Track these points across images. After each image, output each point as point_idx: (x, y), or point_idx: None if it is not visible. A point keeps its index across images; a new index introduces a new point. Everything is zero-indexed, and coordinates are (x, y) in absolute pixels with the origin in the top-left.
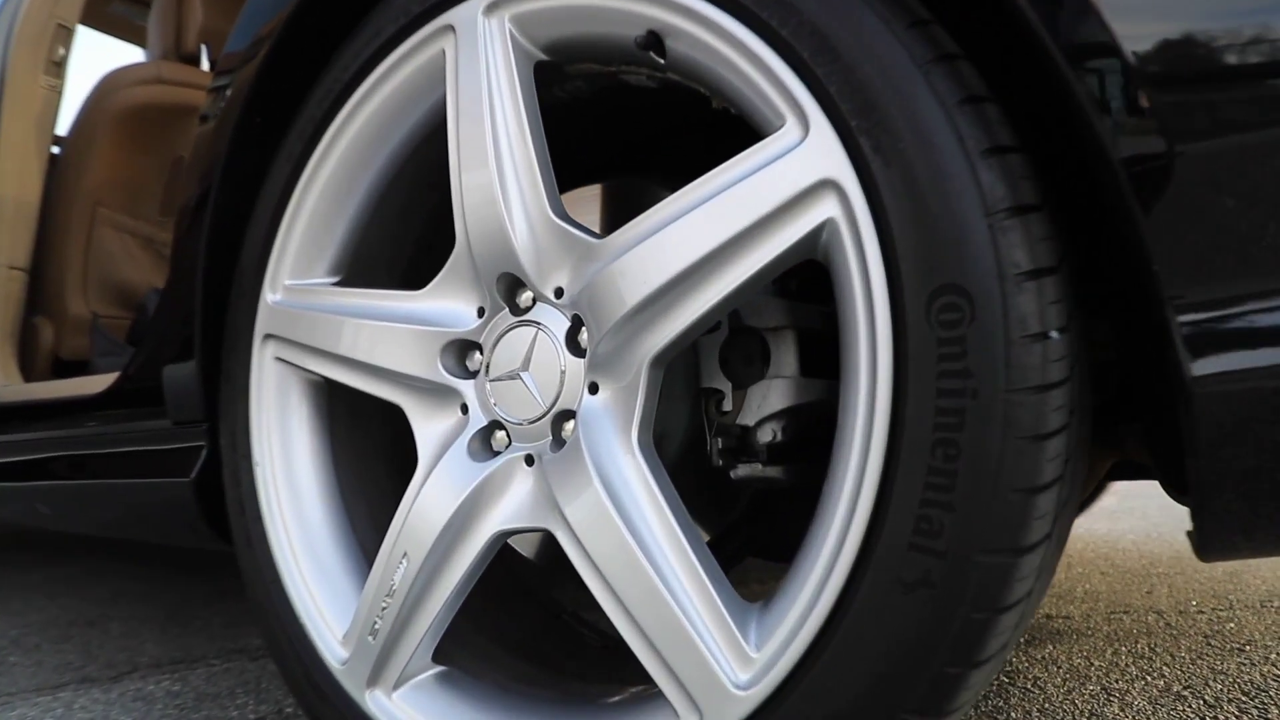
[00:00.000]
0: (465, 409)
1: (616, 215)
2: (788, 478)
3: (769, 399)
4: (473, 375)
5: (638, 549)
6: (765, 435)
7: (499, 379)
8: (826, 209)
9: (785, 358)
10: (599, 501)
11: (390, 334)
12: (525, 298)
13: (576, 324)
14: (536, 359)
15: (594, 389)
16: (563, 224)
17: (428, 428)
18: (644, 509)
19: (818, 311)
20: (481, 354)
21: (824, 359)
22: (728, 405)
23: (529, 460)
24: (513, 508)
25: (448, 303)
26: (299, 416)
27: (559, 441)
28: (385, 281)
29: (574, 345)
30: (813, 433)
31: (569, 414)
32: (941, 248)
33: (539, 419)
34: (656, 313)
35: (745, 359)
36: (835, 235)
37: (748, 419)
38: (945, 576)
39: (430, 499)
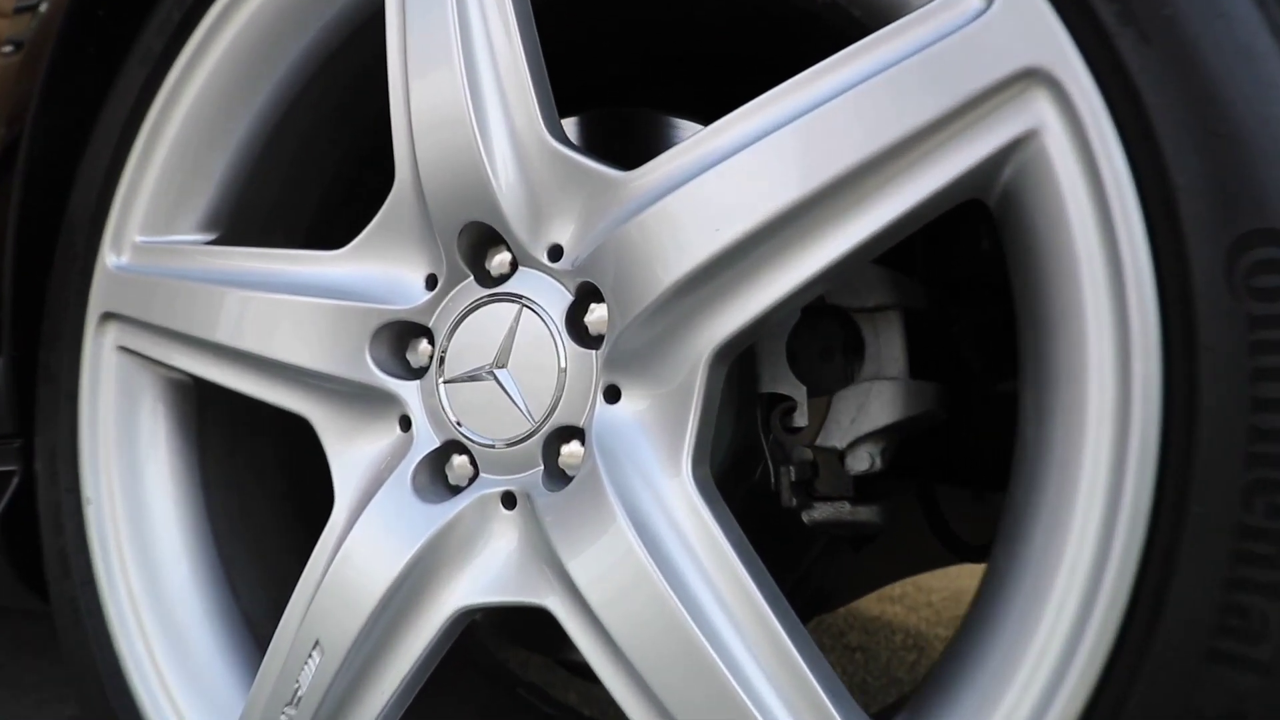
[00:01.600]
0: (407, 423)
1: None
2: (884, 520)
3: (868, 410)
4: (418, 373)
5: (696, 629)
6: (860, 462)
7: (459, 379)
8: (1024, 117)
9: (889, 351)
10: (630, 557)
11: (293, 313)
12: (501, 260)
13: (584, 299)
14: (520, 350)
15: (613, 395)
16: (566, 151)
17: (350, 451)
18: (706, 569)
19: (919, 287)
20: (432, 342)
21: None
22: (800, 419)
23: (508, 500)
24: (485, 572)
25: (380, 266)
26: (154, 433)
27: (555, 472)
28: (283, 241)
29: (578, 330)
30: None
31: (572, 432)
32: (1253, 173)
33: (524, 439)
34: (725, 285)
35: (823, 353)
36: (1037, 160)
37: (834, 438)
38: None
39: (356, 561)
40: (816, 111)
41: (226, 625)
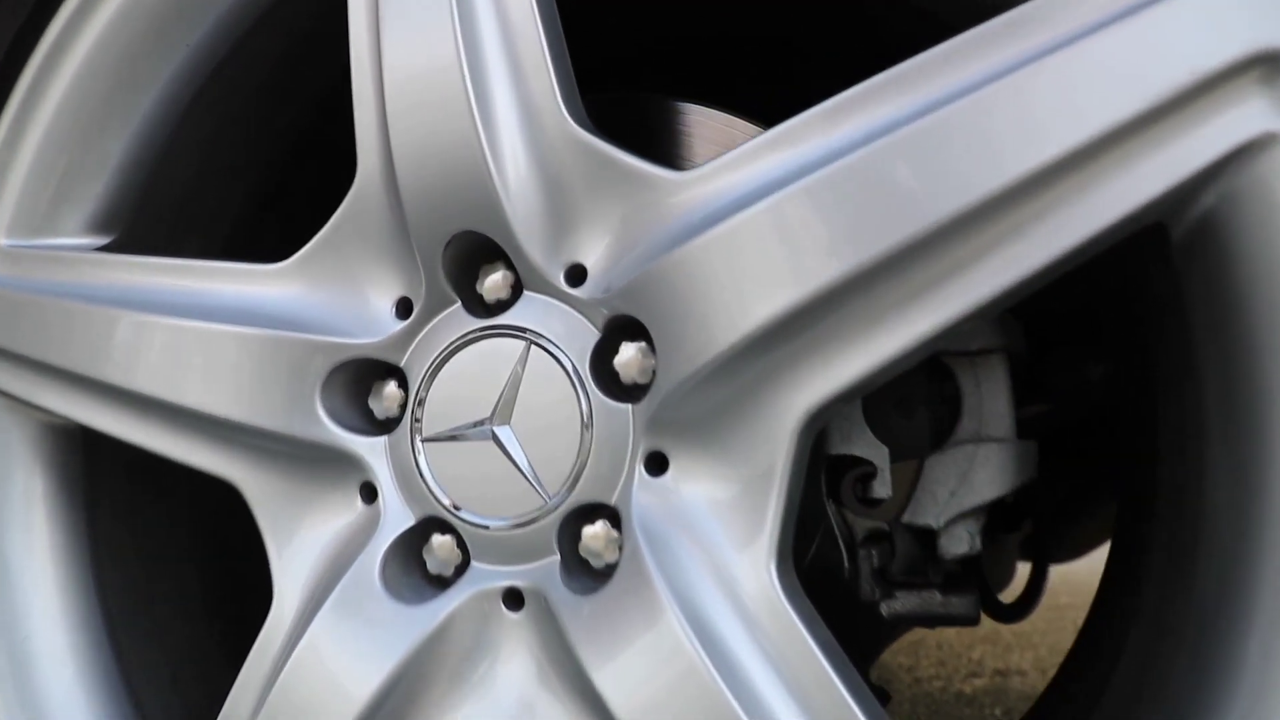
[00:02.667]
0: (370, 493)
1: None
2: (972, 613)
3: (972, 481)
4: (384, 427)
5: None
6: (957, 544)
7: (442, 438)
8: (1250, 120)
9: (994, 405)
10: (697, 682)
11: (215, 347)
12: (499, 282)
13: (613, 336)
14: (527, 402)
15: (657, 464)
16: (595, 141)
17: (295, 530)
18: (796, 690)
19: (1019, 325)
20: (404, 387)
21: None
22: (880, 489)
23: (513, 600)
24: (488, 701)
25: (335, 287)
26: (27, 495)
27: (577, 563)
28: (197, 248)
29: (608, 378)
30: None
31: (598, 511)
32: None
33: (534, 519)
34: (828, 333)
35: (902, 405)
36: (1268, 179)
37: (927, 515)
38: None
39: (310, 680)
40: (950, 109)
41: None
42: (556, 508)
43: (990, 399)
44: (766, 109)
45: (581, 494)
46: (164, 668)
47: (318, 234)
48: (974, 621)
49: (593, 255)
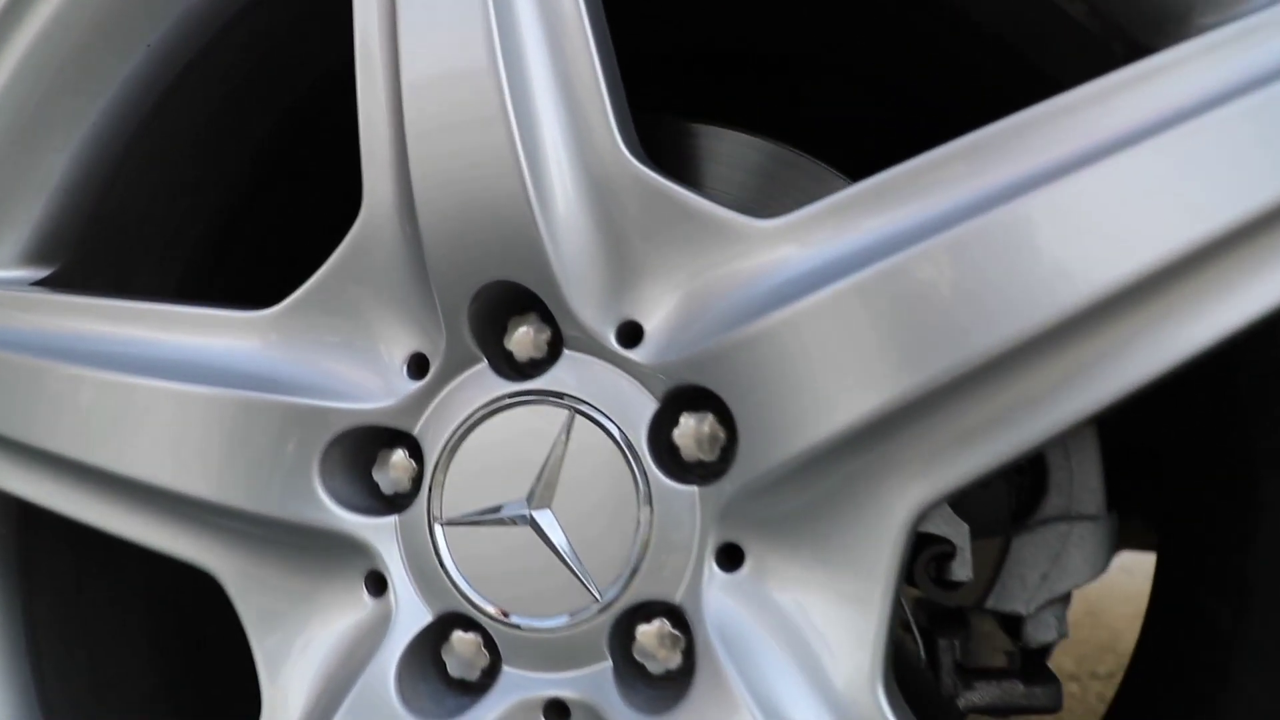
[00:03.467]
0: (379, 584)
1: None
2: (1055, 703)
3: (1066, 564)
4: (393, 505)
5: None
6: (1045, 631)
7: (466, 520)
8: None
9: (1085, 479)
10: None
11: (188, 409)
12: (532, 339)
13: (672, 407)
14: (570, 479)
15: (731, 557)
16: (657, 179)
17: (287, 629)
18: None
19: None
20: (417, 458)
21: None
22: (961, 571)
23: (556, 713)
24: None
25: (334, 339)
26: None
27: (633, 670)
28: (150, 278)
29: (666, 455)
30: None
31: (659, 609)
32: None
33: (582, 620)
34: (958, 416)
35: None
36: None
37: (1016, 600)
38: None
39: None
40: (1114, 162)
41: None
42: (610, 605)
43: (1081, 473)
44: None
45: (639, 590)
46: None
47: (313, 276)
48: (1056, 710)
49: (651, 313)
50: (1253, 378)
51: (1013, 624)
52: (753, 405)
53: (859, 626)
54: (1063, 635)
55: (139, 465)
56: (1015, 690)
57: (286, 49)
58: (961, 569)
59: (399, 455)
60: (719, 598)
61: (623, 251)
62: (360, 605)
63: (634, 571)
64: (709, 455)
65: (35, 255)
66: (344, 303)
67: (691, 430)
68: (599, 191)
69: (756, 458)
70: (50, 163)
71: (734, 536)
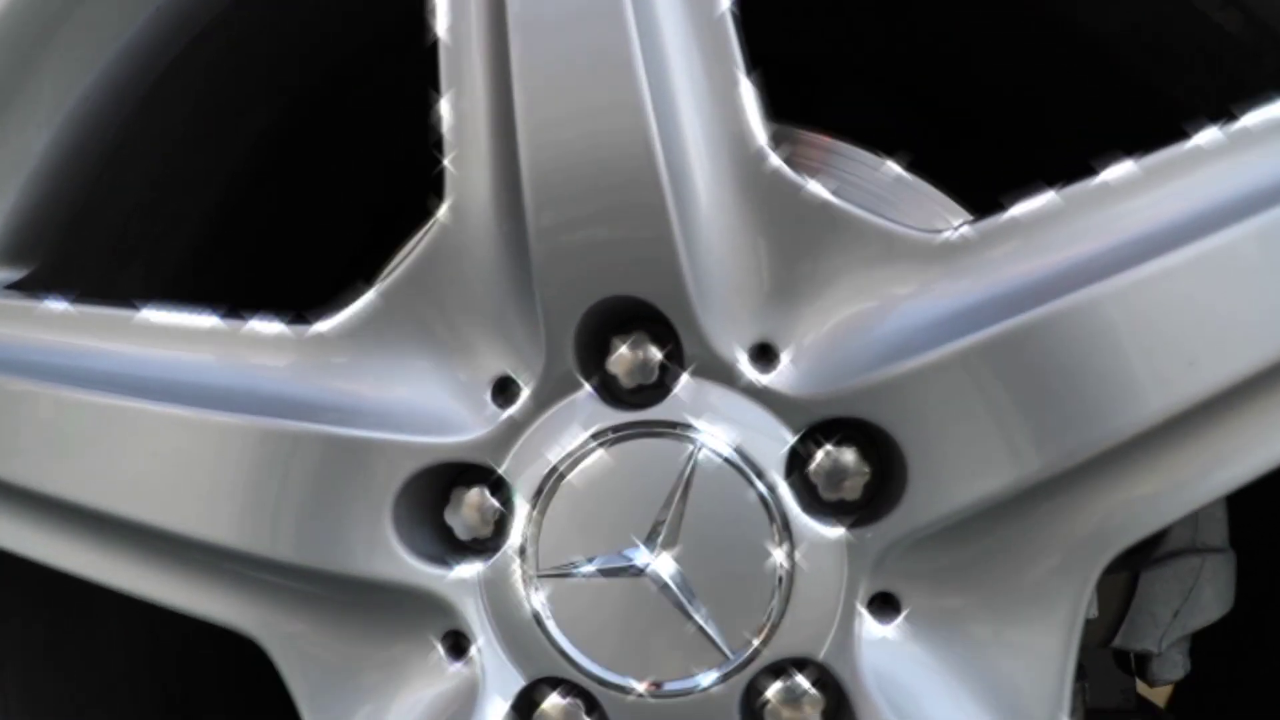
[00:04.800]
0: (458, 645)
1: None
2: None
3: (1200, 600)
4: (474, 553)
5: None
6: (1173, 669)
7: (567, 572)
8: None
9: (1211, 508)
10: None
11: (229, 444)
12: (639, 361)
13: (814, 440)
14: (693, 523)
15: (884, 607)
16: (804, 184)
17: (349, 704)
18: None
19: None
20: (502, 498)
21: None
22: (1088, 609)
23: None
24: None
25: (405, 360)
26: None
27: None
28: (141, 277)
29: (807, 495)
30: None
31: (799, 668)
32: None
33: (711, 683)
34: (1177, 451)
35: None
36: None
37: (1146, 638)
38: None
39: None
40: None
41: None
42: (744, 665)
43: (1209, 503)
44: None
45: (778, 647)
46: None
47: (376, 286)
48: None
49: (789, 335)
50: None
51: (1127, 662)
52: (929, 443)
53: (1039, 680)
54: (1186, 672)
55: (163, 511)
56: None
57: (305, 24)
58: (1089, 607)
59: (478, 494)
60: (875, 652)
61: (761, 266)
62: (437, 672)
63: (773, 627)
64: (853, 490)
65: (9, 252)
66: (415, 317)
67: (843, 469)
68: (740, 199)
69: (928, 501)
70: (30, 140)
71: (890, 585)
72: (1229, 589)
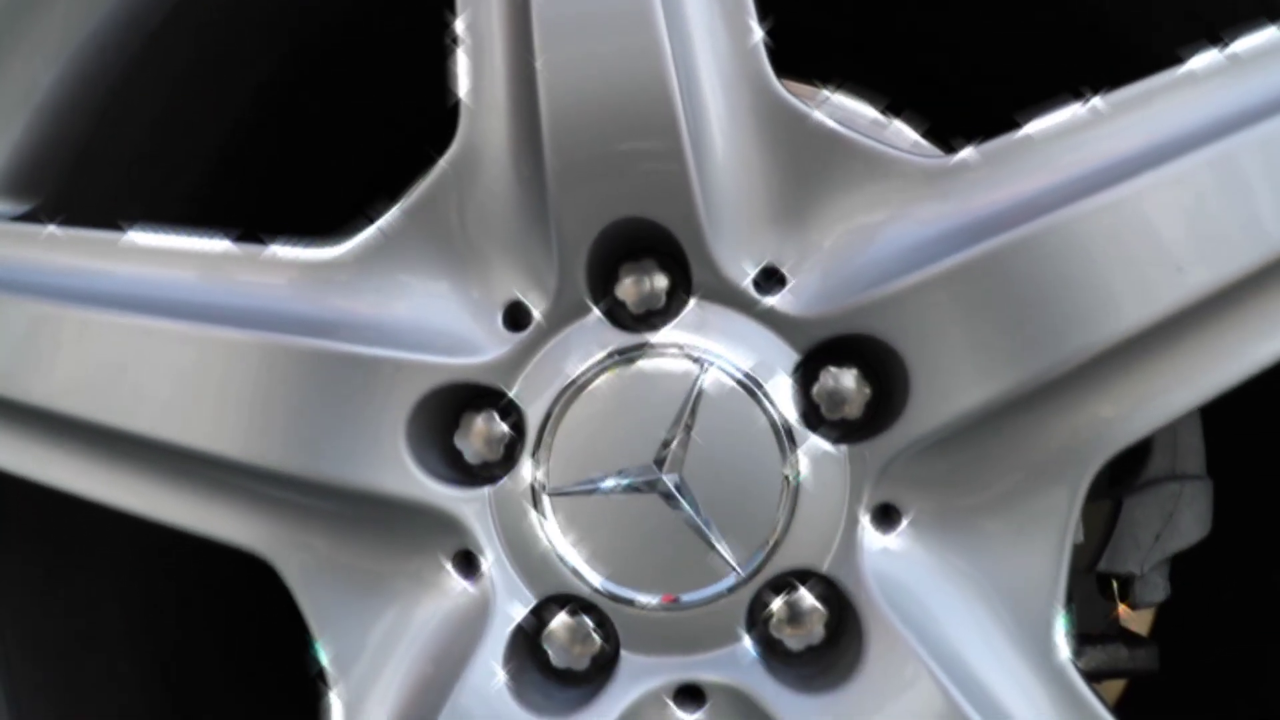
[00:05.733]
0: (468, 563)
1: None
2: (1155, 665)
3: (1179, 524)
4: (485, 475)
5: None
6: (1154, 592)
7: (578, 490)
8: None
9: (1189, 439)
10: None
11: (244, 360)
12: (647, 286)
13: (819, 360)
14: (702, 442)
15: (887, 518)
16: (807, 112)
17: (360, 621)
18: None
19: None
20: (513, 422)
21: None
22: (1075, 533)
23: (689, 698)
24: None
25: (418, 284)
26: None
27: (774, 649)
28: (141, 215)
29: (811, 413)
30: None
31: (804, 580)
32: None
33: (718, 595)
34: (1164, 357)
35: None
36: None
37: (1129, 561)
38: None
39: None
40: None
41: None
42: (750, 579)
43: (1185, 433)
44: None
45: (784, 560)
46: None
47: (392, 210)
48: (1154, 673)
49: (795, 258)
50: None
51: (1111, 589)
52: (932, 355)
53: (1037, 575)
54: (1167, 596)
55: (177, 427)
56: (1120, 654)
57: None
58: (1075, 532)
59: (487, 418)
60: (879, 561)
61: (769, 193)
62: (447, 590)
63: (779, 540)
64: (856, 408)
65: (12, 186)
66: (428, 241)
67: (847, 387)
68: (750, 128)
69: (929, 411)
70: (37, 74)
71: (893, 496)
72: (1207, 514)
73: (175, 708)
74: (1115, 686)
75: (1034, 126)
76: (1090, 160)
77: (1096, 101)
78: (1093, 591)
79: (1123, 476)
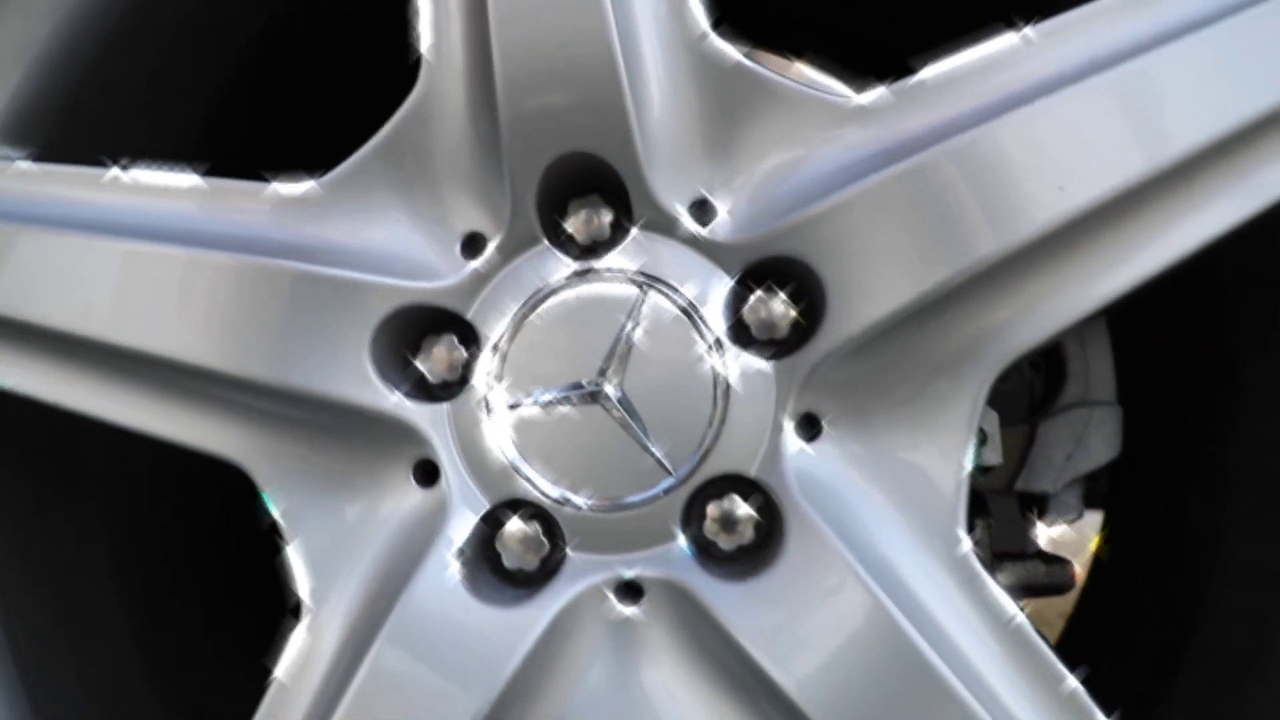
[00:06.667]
0: (429, 474)
1: None
2: (1069, 582)
3: (1089, 445)
4: (444, 392)
5: None
6: (1067, 510)
7: (529, 403)
8: None
9: (1101, 369)
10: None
11: (224, 280)
12: (592, 220)
13: (748, 283)
14: (640, 358)
15: (810, 428)
16: (738, 58)
17: (326, 522)
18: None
19: None
20: (470, 343)
21: None
22: (991, 456)
23: (628, 594)
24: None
25: (385, 215)
26: None
27: (706, 546)
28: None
29: (741, 331)
30: None
31: (734, 484)
32: None
33: (655, 497)
34: (1047, 271)
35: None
36: None
37: (1043, 480)
38: None
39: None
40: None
41: None
42: (685, 481)
43: (1096, 363)
44: None
45: (714, 465)
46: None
47: (362, 148)
48: (1068, 590)
49: (723, 190)
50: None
51: (1034, 510)
52: (845, 271)
53: (942, 471)
54: (1081, 515)
55: (162, 340)
56: (1037, 570)
57: None
58: (993, 454)
59: (447, 341)
60: (800, 465)
61: (702, 131)
62: (409, 495)
63: (710, 447)
64: (782, 328)
65: (9, 133)
66: (395, 177)
67: (773, 306)
68: (682, 69)
69: (843, 323)
70: (34, 26)
71: (814, 405)
72: (1116, 437)
73: (155, 632)
74: (1055, 629)
75: (930, 70)
76: (981, 97)
77: (987, 45)
78: (1015, 513)
79: (1042, 406)
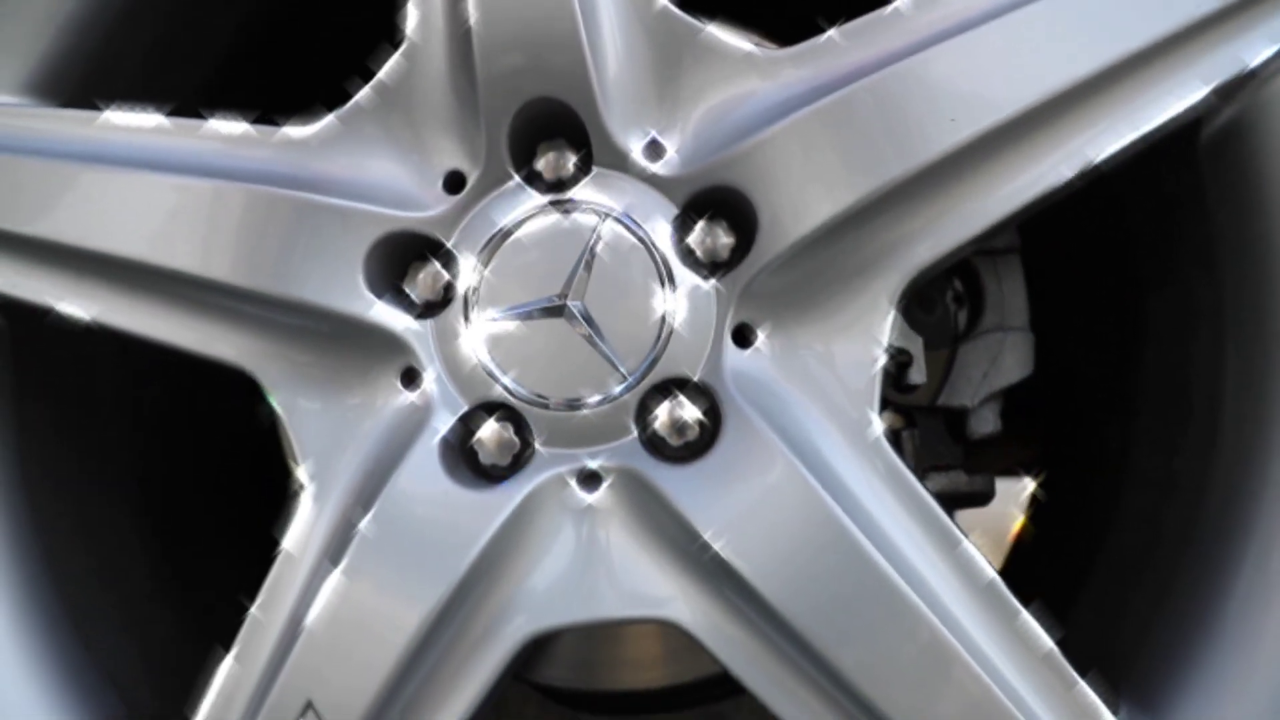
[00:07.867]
0: (412, 379)
1: None
2: (990, 490)
3: (1002, 365)
4: (427, 310)
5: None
6: (984, 424)
7: (501, 316)
8: None
9: (1014, 299)
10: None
11: (236, 205)
12: (559, 160)
13: (693, 213)
14: (602, 279)
15: (744, 337)
16: (683, 17)
17: (323, 414)
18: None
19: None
20: (449, 267)
21: None
22: (916, 375)
23: (588, 481)
24: (570, 580)
25: (377, 154)
26: None
27: (655, 441)
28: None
29: (687, 255)
30: None
31: (680, 386)
32: None
33: (611, 397)
34: (941, 196)
35: (926, 304)
36: None
37: (963, 396)
38: None
39: (371, 582)
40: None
41: (76, 698)
42: (638, 383)
43: (1011, 294)
44: None
45: (663, 370)
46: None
47: (356, 96)
48: (992, 497)
49: (669, 131)
50: (1139, 205)
51: (958, 426)
52: (774, 197)
53: (859, 366)
54: (997, 429)
55: (179, 256)
56: (961, 479)
57: None
58: (917, 374)
59: (433, 269)
60: (738, 368)
61: (654, 80)
62: (395, 397)
63: (659, 354)
64: (722, 255)
65: (36, 87)
66: (382, 123)
67: (714, 232)
68: (633, 26)
69: (774, 243)
70: None
71: (748, 317)
72: (1028, 359)
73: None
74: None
75: (850, 25)
76: (893, 42)
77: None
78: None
79: (964, 334)
